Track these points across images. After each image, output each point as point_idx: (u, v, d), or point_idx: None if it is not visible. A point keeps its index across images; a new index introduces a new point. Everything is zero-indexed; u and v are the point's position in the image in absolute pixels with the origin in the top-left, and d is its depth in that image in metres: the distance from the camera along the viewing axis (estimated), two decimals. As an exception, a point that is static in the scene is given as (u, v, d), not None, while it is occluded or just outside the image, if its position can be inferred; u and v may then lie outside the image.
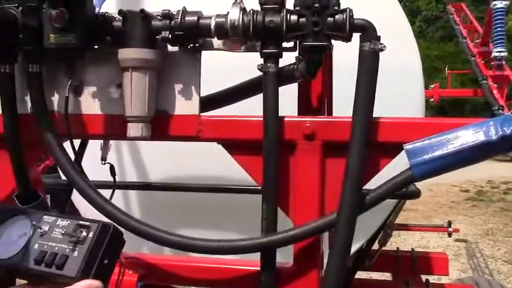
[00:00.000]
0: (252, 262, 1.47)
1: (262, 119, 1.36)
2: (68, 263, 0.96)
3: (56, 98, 1.52)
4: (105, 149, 1.75)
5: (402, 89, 2.06)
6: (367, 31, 1.30)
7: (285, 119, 1.39)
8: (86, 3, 1.32)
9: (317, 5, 1.28)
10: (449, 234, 4.50)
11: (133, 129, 1.38)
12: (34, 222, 1.03)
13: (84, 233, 0.98)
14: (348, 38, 1.31)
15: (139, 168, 2.33)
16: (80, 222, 1.00)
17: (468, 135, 1.25)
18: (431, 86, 10.14)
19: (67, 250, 0.97)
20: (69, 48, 1.31)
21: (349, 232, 1.28)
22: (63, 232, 1.00)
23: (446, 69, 13.52)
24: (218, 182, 2.25)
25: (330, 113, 1.57)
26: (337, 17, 1.29)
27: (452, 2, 11.29)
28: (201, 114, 1.44)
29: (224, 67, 1.94)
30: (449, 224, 4.51)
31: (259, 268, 1.39)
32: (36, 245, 1.00)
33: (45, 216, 1.03)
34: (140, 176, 2.34)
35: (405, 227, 4.60)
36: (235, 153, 1.44)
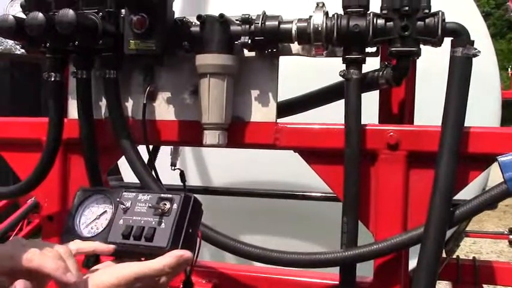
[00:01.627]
0: (330, 275, 1.42)
1: (343, 127, 1.31)
2: (156, 234, 0.97)
3: (130, 104, 1.51)
4: (175, 154, 1.74)
5: (478, 96, 1.96)
6: (460, 35, 1.22)
7: (367, 127, 1.32)
8: (166, 8, 1.30)
9: (406, 8, 1.21)
10: (510, 242, 4.30)
11: (210, 136, 1.36)
12: (115, 199, 1.04)
13: (168, 205, 0.99)
14: (438, 43, 1.24)
15: (202, 173, 2.31)
16: (162, 195, 1.01)
17: None
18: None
19: (153, 222, 0.98)
20: (149, 54, 1.29)
21: (438, 248, 1.21)
22: (146, 206, 1.01)
23: (509, 69, 11.28)
24: (278, 187, 2.21)
25: (411, 121, 1.50)
26: (427, 20, 1.22)
27: (509, -1, 10.65)
28: (277, 121, 1.39)
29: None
30: (510, 231, 4.32)
31: (337, 282, 1.34)
32: (121, 220, 1.01)
33: (124, 193, 1.05)
34: (202, 180, 2.32)
35: (465, 234, 4.43)
36: (313, 163, 1.38)
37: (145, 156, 1.46)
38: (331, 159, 1.36)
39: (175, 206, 0.98)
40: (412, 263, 1.42)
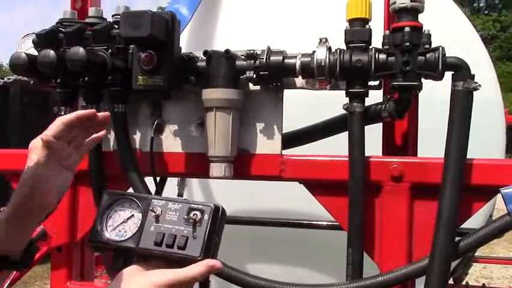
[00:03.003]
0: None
1: (347, 159, 1.33)
2: (189, 243, 0.99)
3: (137, 136, 1.54)
4: (181, 185, 1.76)
5: (481, 123, 1.97)
6: (461, 70, 1.25)
7: (371, 159, 1.34)
8: (174, 45, 1.33)
9: (407, 43, 1.24)
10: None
11: (216, 169, 1.38)
12: (144, 205, 1.05)
13: (199, 215, 1.00)
14: (439, 77, 1.26)
15: (208, 199, 2.33)
16: (192, 205, 1.02)
17: None
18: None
19: (185, 231, 1.00)
20: (157, 90, 1.33)
21: (443, 280, 1.22)
22: (177, 214, 1.02)
23: None
24: (284, 216, 2.22)
25: (415, 153, 1.52)
26: (428, 55, 1.25)
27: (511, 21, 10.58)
28: (282, 152, 1.42)
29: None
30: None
31: (344, 314, 1.34)
32: (152, 227, 1.03)
33: (154, 200, 1.06)
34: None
35: (474, 259, 4.38)
36: (318, 194, 1.40)
37: (152, 188, 1.49)
38: (336, 190, 1.37)
39: (206, 216, 1.00)
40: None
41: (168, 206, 1.05)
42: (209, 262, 0.97)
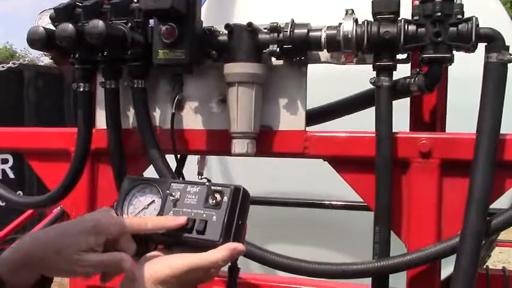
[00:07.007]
0: (358, 286, 1.39)
1: (374, 135, 1.28)
2: (208, 227, 0.96)
3: (157, 113, 1.51)
4: (201, 163, 1.73)
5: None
6: (495, 40, 1.20)
7: (399, 135, 1.30)
8: (195, 17, 1.29)
9: (439, 14, 1.19)
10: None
11: (239, 145, 1.34)
12: (164, 190, 1.03)
13: (218, 198, 0.97)
14: (472, 49, 1.21)
15: (227, 182, 2.31)
16: (212, 187, 0.99)
17: None
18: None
19: (204, 215, 0.97)
20: (178, 64, 1.29)
21: (474, 260, 1.17)
22: (196, 198, 1.00)
23: None
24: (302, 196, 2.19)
25: (443, 129, 1.47)
26: (460, 26, 1.20)
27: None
28: (306, 129, 1.38)
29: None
30: (540, 240, 4.20)
31: (369, 293, 1.31)
32: (171, 212, 1.00)
33: (173, 184, 1.03)
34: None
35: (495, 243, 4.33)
36: (343, 171, 1.36)
37: (172, 166, 1.46)
38: (362, 167, 1.34)
39: (225, 198, 0.97)
40: (444, 273, 1.39)
41: (187, 190, 1.02)
42: (230, 245, 0.94)
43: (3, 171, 6.45)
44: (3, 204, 5.89)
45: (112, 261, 0.95)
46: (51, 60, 1.56)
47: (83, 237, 0.94)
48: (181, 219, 0.98)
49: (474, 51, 1.22)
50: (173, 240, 0.99)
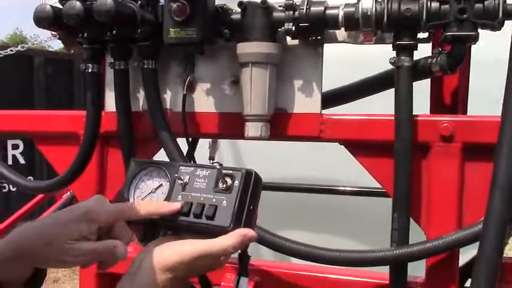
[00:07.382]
0: (377, 274, 1.35)
1: (392, 118, 1.23)
2: (218, 213, 0.92)
3: (168, 95, 1.46)
4: (213, 147, 1.69)
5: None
6: (523, 18, 1.13)
7: (419, 118, 1.24)
8: (207, -6, 1.24)
9: (464, -11, 1.13)
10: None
11: (252, 128, 1.30)
12: (172, 174, 0.98)
13: (229, 182, 0.92)
14: (498, 27, 1.15)
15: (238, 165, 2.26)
16: (222, 171, 0.94)
17: None
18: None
19: (214, 200, 0.93)
20: (190, 43, 1.24)
21: (497, 249, 1.12)
22: (206, 182, 0.95)
23: None
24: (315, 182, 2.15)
25: (465, 111, 1.41)
26: (487, 2, 1.14)
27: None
28: (322, 112, 1.33)
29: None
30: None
31: (387, 282, 1.27)
32: (179, 196, 0.96)
33: (182, 167, 0.99)
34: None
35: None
36: (360, 156, 1.31)
37: (183, 150, 1.42)
38: (380, 151, 1.29)
39: (236, 182, 0.92)
40: (462, 259, 1.35)
41: (196, 173, 0.97)
42: (241, 231, 0.89)
43: (14, 157, 6.47)
44: (14, 189, 5.92)
45: (105, 249, 0.92)
46: (59, 41, 1.52)
47: (74, 225, 0.90)
48: (176, 205, 0.94)
49: (500, 29, 1.16)
50: (181, 226, 0.95)
